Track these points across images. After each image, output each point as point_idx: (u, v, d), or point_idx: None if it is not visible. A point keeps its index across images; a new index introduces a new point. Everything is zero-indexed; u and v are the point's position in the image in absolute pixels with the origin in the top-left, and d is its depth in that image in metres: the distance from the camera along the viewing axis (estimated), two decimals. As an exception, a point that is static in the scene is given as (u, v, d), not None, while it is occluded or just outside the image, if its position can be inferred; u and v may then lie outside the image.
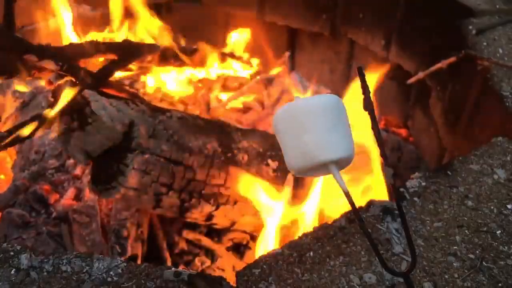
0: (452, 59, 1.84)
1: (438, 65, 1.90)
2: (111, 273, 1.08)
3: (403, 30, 2.30)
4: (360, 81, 0.83)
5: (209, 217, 1.64)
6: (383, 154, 0.84)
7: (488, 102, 1.70)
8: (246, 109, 2.49)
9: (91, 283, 1.06)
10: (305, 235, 1.19)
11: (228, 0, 2.84)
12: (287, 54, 2.71)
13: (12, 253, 1.12)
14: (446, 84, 2.00)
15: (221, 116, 2.29)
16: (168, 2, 2.92)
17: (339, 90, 2.73)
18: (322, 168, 0.80)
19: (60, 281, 1.06)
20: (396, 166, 2.06)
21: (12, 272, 1.08)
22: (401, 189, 1.28)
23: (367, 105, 0.81)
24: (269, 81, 2.68)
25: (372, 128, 0.81)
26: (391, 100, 2.59)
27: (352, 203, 0.82)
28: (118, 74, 1.91)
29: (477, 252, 1.13)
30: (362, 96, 0.82)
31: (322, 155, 0.79)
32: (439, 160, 2.12)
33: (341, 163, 0.82)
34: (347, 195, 0.81)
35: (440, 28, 2.06)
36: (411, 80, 2.07)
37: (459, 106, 1.90)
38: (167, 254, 1.72)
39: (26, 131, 1.42)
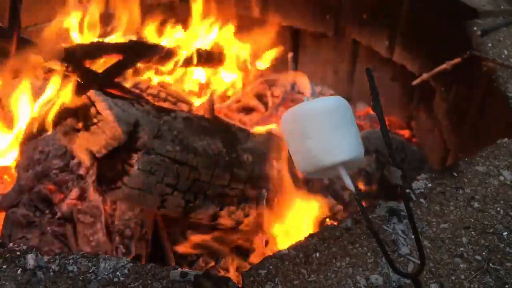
0: (457, 60, 1.84)
1: (443, 66, 1.90)
2: (118, 273, 1.09)
3: (407, 30, 2.30)
4: (369, 82, 0.83)
5: (214, 217, 1.64)
6: (391, 155, 0.84)
7: (493, 103, 1.70)
8: (249, 110, 2.48)
9: (98, 283, 1.06)
10: (311, 235, 1.19)
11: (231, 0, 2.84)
12: (290, 54, 2.71)
13: (18, 253, 1.12)
14: (451, 85, 2.00)
15: (224, 117, 2.29)
16: (171, 2, 2.92)
17: (343, 91, 2.73)
18: (331, 169, 0.80)
19: (66, 281, 1.06)
20: (400, 168, 2.06)
21: (19, 272, 1.08)
22: (407, 191, 1.28)
23: (376, 107, 0.82)
24: (272, 82, 2.67)
25: (381, 130, 0.81)
26: (394, 101, 2.59)
27: (360, 203, 0.82)
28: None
29: (484, 253, 1.13)
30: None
31: (327, 158, 0.79)
32: (442, 161, 2.12)
33: (350, 164, 0.82)
34: (355, 196, 0.81)
35: (444, 29, 2.06)
36: (416, 81, 2.06)
37: (463, 107, 1.90)
38: (171, 255, 1.72)
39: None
